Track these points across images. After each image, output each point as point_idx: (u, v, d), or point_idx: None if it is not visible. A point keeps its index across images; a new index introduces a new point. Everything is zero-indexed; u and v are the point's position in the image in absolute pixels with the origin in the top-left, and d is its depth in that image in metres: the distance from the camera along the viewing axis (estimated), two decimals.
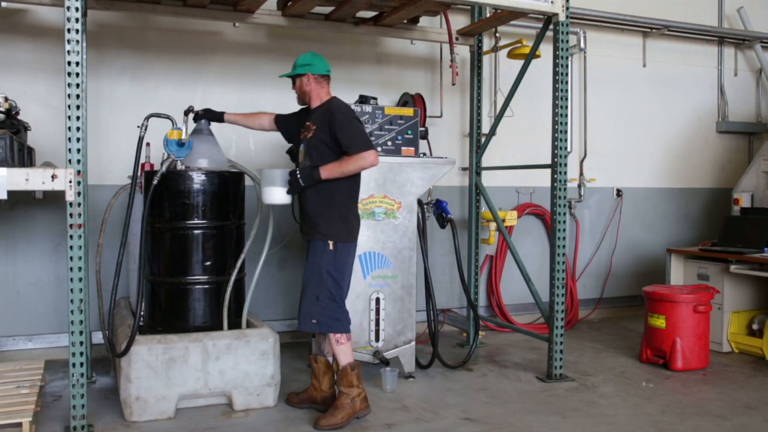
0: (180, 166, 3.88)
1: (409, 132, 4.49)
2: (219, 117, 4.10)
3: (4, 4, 4.44)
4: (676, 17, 6.68)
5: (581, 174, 6.38)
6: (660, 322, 4.77)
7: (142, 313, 3.91)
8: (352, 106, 4.32)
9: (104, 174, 4.85)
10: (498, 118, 5.19)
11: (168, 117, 3.91)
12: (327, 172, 3.56)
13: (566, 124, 4.42)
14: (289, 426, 3.61)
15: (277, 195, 3.68)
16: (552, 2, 4.30)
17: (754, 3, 7.15)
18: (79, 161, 3.30)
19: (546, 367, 4.57)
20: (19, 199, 4.61)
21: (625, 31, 6.65)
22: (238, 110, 5.18)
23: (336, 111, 3.65)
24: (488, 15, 5.23)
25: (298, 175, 3.60)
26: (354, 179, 3.71)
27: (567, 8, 4.35)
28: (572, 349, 5.27)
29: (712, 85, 7.15)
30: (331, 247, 3.62)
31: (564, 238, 4.46)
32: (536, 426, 3.64)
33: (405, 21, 5.06)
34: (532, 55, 4.81)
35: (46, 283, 4.77)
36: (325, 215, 3.63)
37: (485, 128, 5.61)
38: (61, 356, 4.60)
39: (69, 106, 3.28)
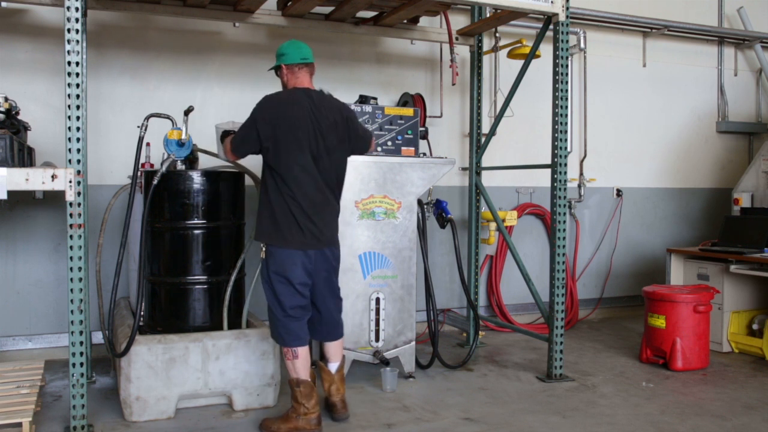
0: (180, 166, 3.88)
1: (409, 132, 4.49)
2: None
3: (4, 4, 4.44)
4: (676, 17, 6.68)
5: (581, 174, 6.38)
6: (660, 322, 4.77)
7: (142, 313, 3.91)
8: (352, 107, 4.26)
9: (104, 174, 4.85)
10: (498, 118, 5.19)
11: (168, 117, 3.92)
12: (227, 145, 3.61)
13: (566, 124, 4.42)
14: None
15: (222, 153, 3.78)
16: (552, 2, 4.30)
17: (754, 3, 7.15)
18: (79, 161, 3.30)
19: (546, 367, 4.57)
20: (19, 199, 4.61)
21: (625, 31, 6.65)
22: (238, 110, 5.20)
23: (257, 104, 3.51)
24: (488, 15, 5.23)
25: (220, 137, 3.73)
26: (282, 178, 3.38)
27: (567, 8, 4.35)
28: (572, 349, 5.28)
29: (712, 85, 7.15)
30: (263, 253, 3.48)
31: (564, 238, 4.46)
32: (536, 426, 3.64)
33: (405, 21, 5.05)
34: (532, 55, 4.81)
35: (46, 283, 4.77)
36: (257, 213, 3.52)
37: (485, 128, 5.61)
38: (61, 356, 4.61)
39: (69, 106, 3.28)
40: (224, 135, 3.69)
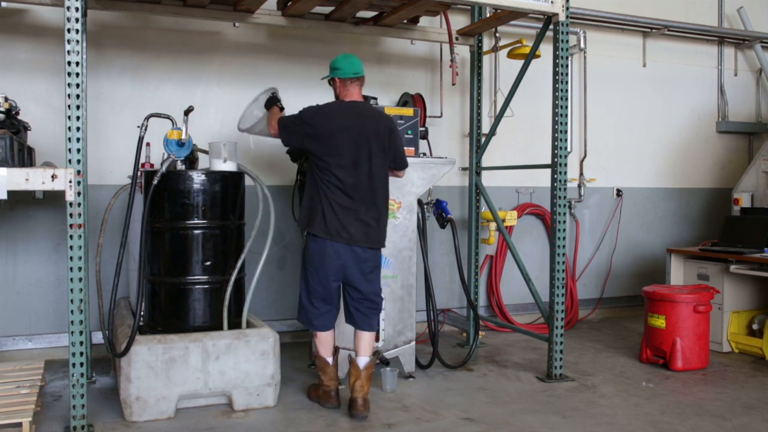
0: (180, 166, 3.88)
1: (409, 132, 4.49)
2: None
3: (4, 4, 4.44)
4: (676, 17, 6.68)
5: (581, 174, 6.38)
6: (660, 322, 4.77)
7: (142, 313, 3.91)
8: None
9: (104, 174, 4.85)
10: (498, 118, 5.19)
11: (168, 117, 3.92)
12: (272, 118, 3.96)
13: (566, 124, 4.42)
14: (289, 426, 3.61)
15: (220, 166, 3.96)
16: (552, 2, 4.30)
17: (754, 3, 7.15)
18: (79, 161, 3.30)
19: (546, 367, 4.57)
20: (19, 199, 4.61)
21: (625, 31, 6.65)
22: (238, 110, 5.17)
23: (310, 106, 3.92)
24: (488, 15, 5.23)
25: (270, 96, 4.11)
26: (320, 177, 3.72)
27: (567, 8, 4.35)
28: (572, 349, 5.28)
29: (712, 85, 7.14)
30: (304, 240, 3.84)
31: (564, 238, 4.46)
32: (536, 426, 3.65)
33: (405, 21, 5.05)
34: (532, 55, 4.81)
35: (46, 283, 4.77)
36: (301, 202, 3.92)
37: (485, 128, 5.61)
38: (61, 356, 4.61)
39: (69, 106, 3.28)
40: (270, 102, 4.09)
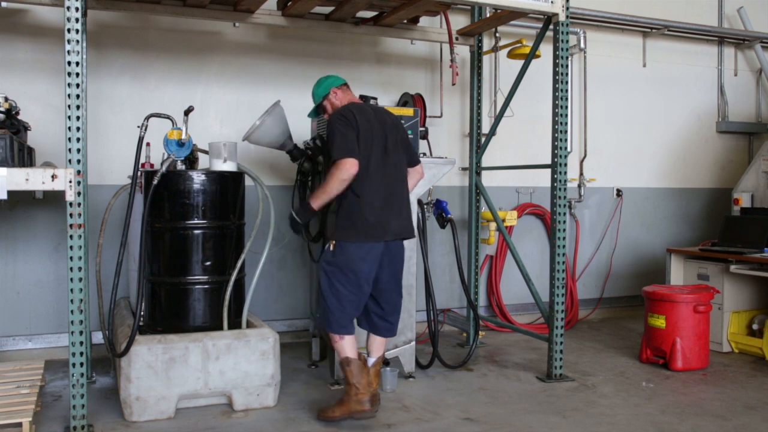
0: (180, 166, 3.88)
1: (410, 132, 4.47)
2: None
3: (4, 4, 4.44)
4: (676, 17, 6.68)
5: (581, 174, 6.38)
6: (660, 322, 4.77)
7: (142, 313, 3.91)
8: None
9: (104, 174, 4.85)
10: (498, 118, 5.19)
11: (168, 117, 3.92)
12: (315, 201, 3.59)
13: (566, 124, 4.42)
14: (289, 426, 3.62)
15: (220, 166, 3.94)
16: (552, 2, 4.30)
17: (754, 3, 7.15)
18: (79, 161, 3.30)
19: (546, 367, 4.57)
20: (19, 199, 4.61)
21: (625, 31, 6.65)
22: (238, 110, 5.21)
23: (329, 119, 3.73)
24: (488, 15, 5.23)
25: (295, 216, 3.72)
26: (357, 182, 3.55)
27: (567, 8, 4.35)
28: (572, 349, 5.28)
29: (712, 85, 7.14)
30: (331, 247, 3.63)
31: (564, 238, 4.45)
32: (536, 426, 3.65)
33: (405, 21, 5.05)
34: (532, 55, 4.81)
35: (46, 283, 4.77)
36: (330, 221, 3.75)
37: (485, 128, 5.61)
38: (61, 356, 4.61)
39: (69, 106, 3.28)
40: (291, 217, 3.77)
